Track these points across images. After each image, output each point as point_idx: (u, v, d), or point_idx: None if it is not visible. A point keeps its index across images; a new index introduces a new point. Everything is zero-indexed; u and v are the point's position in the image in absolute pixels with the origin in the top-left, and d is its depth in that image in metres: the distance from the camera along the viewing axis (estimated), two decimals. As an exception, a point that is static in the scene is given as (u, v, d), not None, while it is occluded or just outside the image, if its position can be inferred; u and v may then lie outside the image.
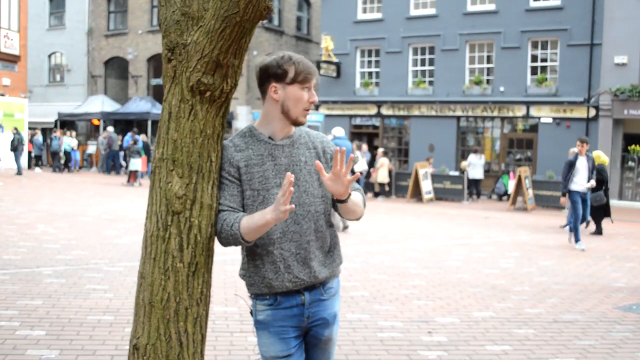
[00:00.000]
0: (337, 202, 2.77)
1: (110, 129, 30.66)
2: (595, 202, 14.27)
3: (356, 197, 2.85)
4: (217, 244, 2.85)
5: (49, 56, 37.09)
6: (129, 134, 27.63)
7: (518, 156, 26.28)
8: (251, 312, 2.90)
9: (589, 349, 5.77)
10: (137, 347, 2.74)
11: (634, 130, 23.89)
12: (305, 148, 2.86)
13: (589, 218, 14.14)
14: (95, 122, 32.91)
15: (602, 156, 15.04)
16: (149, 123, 31.48)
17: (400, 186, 23.54)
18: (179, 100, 2.73)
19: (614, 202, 23.44)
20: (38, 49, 36.75)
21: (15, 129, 26.48)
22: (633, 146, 23.76)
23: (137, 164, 23.75)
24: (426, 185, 22.35)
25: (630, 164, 23.92)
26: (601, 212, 14.64)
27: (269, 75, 2.77)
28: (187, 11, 2.75)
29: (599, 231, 14.74)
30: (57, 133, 29.90)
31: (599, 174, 14.38)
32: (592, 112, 23.95)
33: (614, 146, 23.67)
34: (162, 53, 2.84)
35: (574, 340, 6.03)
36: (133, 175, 23.88)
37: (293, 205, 2.55)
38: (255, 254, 2.79)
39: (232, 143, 2.82)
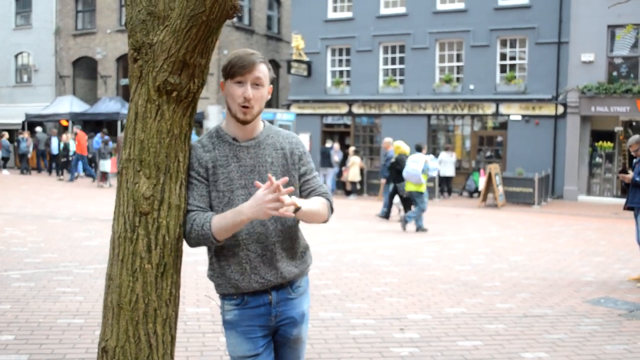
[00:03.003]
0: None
1: (39, 129, 30.29)
2: (402, 192, 15.07)
3: (313, 205, 2.76)
4: (185, 245, 2.83)
5: (16, 56, 36.47)
6: (99, 135, 27.32)
7: (488, 153, 26.51)
8: (221, 312, 2.90)
9: (559, 343, 5.85)
10: (106, 349, 2.71)
11: (601, 127, 24.24)
12: (272, 149, 2.82)
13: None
14: (64, 123, 32.47)
15: (402, 146, 15.50)
16: (119, 123, 31.17)
17: (372, 184, 23.61)
18: (146, 100, 2.71)
19: (582, 198, 23.81)
20: (4, 49, 36.14)
21: None
22: (600, 142, 24.12)
23: (106, 165, 23.52)
24: (398, 183, 22.41)
25: (598, 160, 24.27)
26: (409, 202, 15.34)
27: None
28: (153, 10, 2.73)
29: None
30: (25, 134, 29.49)
31: (397, 164, 14.99)
32: (560, 110, 24.23)
33: (581, 143, 23.98)
34: (128, 53, 2.82)
35: (544, 334, 6.11)
36: (103, 177, 23.65)
37: (291, 215, 2.54)
38: (221, 255, 2.77)
39: (200, 144, 2.81)
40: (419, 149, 14.58)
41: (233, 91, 2.71)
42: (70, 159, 26.45)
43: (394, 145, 15.90)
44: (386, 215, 15.94)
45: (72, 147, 26.34)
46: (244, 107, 2.70)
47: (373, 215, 16.68)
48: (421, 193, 13.72)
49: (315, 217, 2.78)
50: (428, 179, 14.90)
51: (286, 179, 2.56)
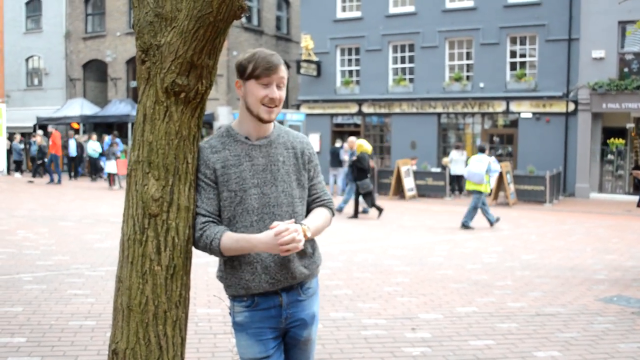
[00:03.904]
0: None
1: (40, 132, 30.33)
2: (363, 190, 15.47)
3: (318, 222, 2.84)
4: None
5: (27, 60, 36.66)
6: (110, 137, 27.44)
7: (499, 151, 26.41)
8: (230, 314, 2.89)
9: (571, 341, 5.81)
10: (117, 352, 2.72)
11: (612, 124, 24.08)
12: (283, 148, 2.84)
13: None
14: (75, 125, 32.62)
15: (364, 145, 15.84)
16: (129, 125, 31.27)
17: (383, 184, 23.56)
18: (154, 102, 2.70)
19: (594, 195, 23.68)
20: (15, 53, 36.35)
21: None
22: (612, 139, 23.95)
23: (110, 166, 23.59)
24: (408, 182, 22.41)
25: (610, 157, 24.12)
26: (369, 198, 15.80)
27: (237, 72, 2.80)
28: (160, 12, 2.72)
29: (380, 210, 15.94)
30: (36, 137, 29.61)
31: (359, 162, 15.29)
32: (571, 107, 24.11)
33: (593, 140, 23.85)
34: (136, 55, 2.82)
35: (557, 333, 6.07)
36: (111, 178, 23.73)
37: (299, 248, 2.60)
38: (233, 256, 2.77)
39: (208, 145, 2.80)
40: (482, 150, 14.83)
41: (257, 92, 2.72)
42: (46, 159, 26.29)
43: (356, 143, 16.14)
44: (355, 214, 16.08)
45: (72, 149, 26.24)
46: (268, 106, 2.73)
47: (383, 215, 16.64)
48: (480, 192, 14.08)
49: (320, 232, 2.87)
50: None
51: (293, 221, 2.64)
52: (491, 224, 14.28)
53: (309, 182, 2.92)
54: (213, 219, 2.74)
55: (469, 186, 14.45)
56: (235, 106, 30.34)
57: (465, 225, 14.06)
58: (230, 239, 2.67)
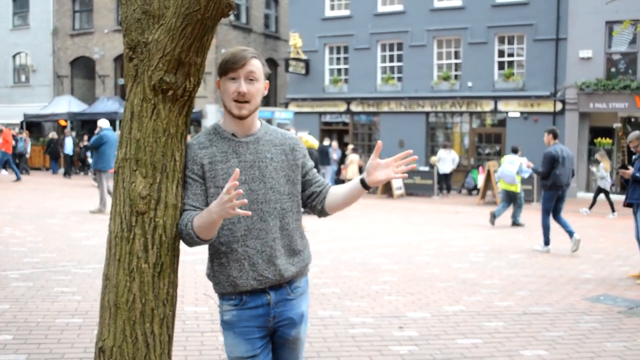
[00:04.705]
0: (362, 186, 2.79)
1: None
2: None
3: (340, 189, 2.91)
4: (183, 244, 2.82)
5: (14, 57, 36.41)
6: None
7: (487, 151, 26.50)
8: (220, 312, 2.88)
9: (558, 340, 5.84)
10: (103, 349, 2.71)
11: (599, 124, 24.22)
12: (271, 145, 2.83)
13: None
14: (62, 122, 32.44)
15: (309, 140, 15.71)
16: (117, 123, 31.11)
17: (371, 182, 23.55)
18: (141, 99, 2.70)
19: (582, 195, 23.81)
20: (2, 49, 36.10)
21: None
22: (599, 139, 24.09)
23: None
24: (396, 181, 22.44)
25: (597, 156, 24.23)
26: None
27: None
28: (148, 9, 2.72)
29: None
30: (23, 134, 29.42)
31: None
32: (559, 106, 24.23)
33: (580, 139, 23.96)
34: (123, 52, 2.81)
35: (543, 332, 6.10)
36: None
37: (248, 213, 2.51)
38: (220, 252, 2.76)
39: (196, 141, 2.80)
40: (515, 150, 15.17)
41: (227, 87, 2.72)
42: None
43: (302, 139, 16.17)
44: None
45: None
46: (238, 102, 2.71)
47: (371, 213, 16.66)
48: (516, 192, 14.59)
49: (348, 199, 2.91)
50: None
51: (237, 183, 2.44)
52: (492, 222, 14.63)
53: (307, 176, 2.91)
54: (194, 211, 2.72)
55: (502, 185, 14.94)
56: (224, 104, 30.25)
57: (516, 223, 14.64)
58: (198, 215, 2.64)
